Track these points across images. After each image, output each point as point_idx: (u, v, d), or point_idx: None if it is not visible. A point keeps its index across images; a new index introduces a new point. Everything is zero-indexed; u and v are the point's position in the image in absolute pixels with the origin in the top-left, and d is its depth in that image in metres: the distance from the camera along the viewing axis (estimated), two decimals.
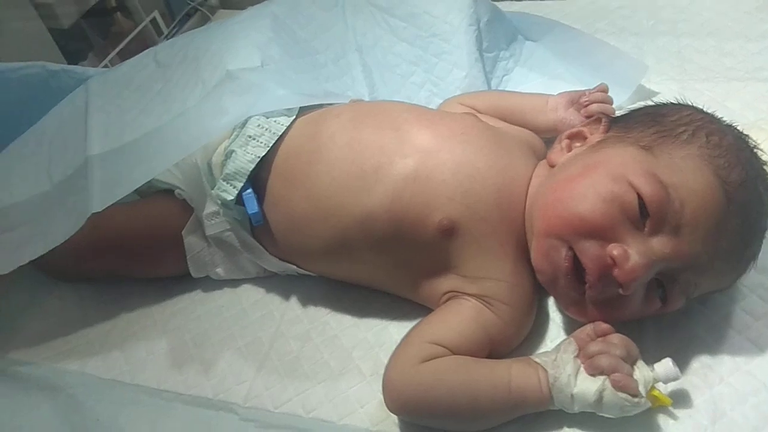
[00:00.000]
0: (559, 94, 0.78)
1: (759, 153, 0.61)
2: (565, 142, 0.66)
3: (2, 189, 0.72)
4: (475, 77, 0.86)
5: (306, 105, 0.72)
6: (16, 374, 0.70)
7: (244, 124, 0.68)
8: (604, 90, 0.76)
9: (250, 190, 0.67)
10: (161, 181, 0.72)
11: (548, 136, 0.75)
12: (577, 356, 0.55)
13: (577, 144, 0.65)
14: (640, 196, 0.54)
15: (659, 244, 0.54)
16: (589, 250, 0.55)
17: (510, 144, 0.67)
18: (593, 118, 0.67)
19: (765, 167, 0.60)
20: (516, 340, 0.62)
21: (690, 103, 0.65)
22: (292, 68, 0.78)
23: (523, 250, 0.62)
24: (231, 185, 0.67)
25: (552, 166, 0.65)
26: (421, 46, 0.88)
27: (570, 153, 0.65)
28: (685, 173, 0.55)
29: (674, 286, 0.56)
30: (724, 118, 0.63)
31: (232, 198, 0.67)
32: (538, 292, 0.64)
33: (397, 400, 0.57)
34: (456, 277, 0.62)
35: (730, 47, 0.92)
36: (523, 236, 0.63)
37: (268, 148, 0.67)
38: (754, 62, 0.89)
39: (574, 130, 0.67)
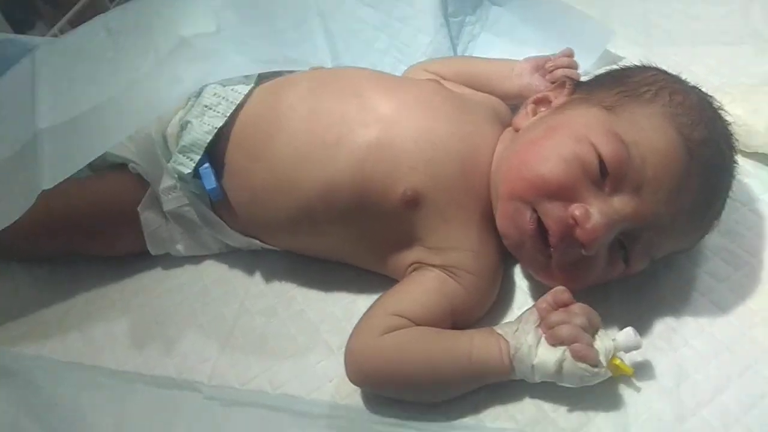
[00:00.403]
0: (525, 59, 0.77)
1: (723, 114, 0.61)
2: (530, 107, 0.66)
3: None
4: (441, 43, 0.84)
5: (265, 72, 0.70)
6: None
7: (199, 93, 0.66)
8: (570, 55, 0.75)
9: (207, 165, 0.64)
10: (114, 154, 0.69)
11: (514, 102, 0.74)
12: (538, 326, 0.55)
13: (542, 109, 0.65)
14: (599, 156, 0.54)
15: (621, 203, 0.54)
16: (551, 211, 0.55)
17: (474, 110, 0.66)
18: (558, 83, 0.67)
19: (729, 128, 0.61)
20: (480, 309, 0.62)
21: (655, 66, 0.64)
22: (250, 34, 0.75)
23: (488, 218, 0.62)
24: (188, 158, 0.64)
25: (517, 130, 0.65)
26: (385, 11, 0.86)
27: (534, 117, 0.64)
28: (646, 131, 0.55)
29: (636, 246, 0.57)
30: (688, 81, 0.63)
31: (189, 171, 0.64)
32: (504, 261, 0.64)
33: (359, 372, 0.57)
34: (421, 249, 0.61)
35: (696, 11, 0.91)
36: (488, 204, 0.62)
37: (225, 118, 0.65)
38: (720, 26, 0.89)
39: (539, 95, 0.66)
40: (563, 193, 0.55)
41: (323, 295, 0.68)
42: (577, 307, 0.55)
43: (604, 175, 0.55)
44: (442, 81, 0.72)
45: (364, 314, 0.60)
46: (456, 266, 0.60)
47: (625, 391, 0.56)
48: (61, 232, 0.69)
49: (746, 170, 0.71)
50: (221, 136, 0.65)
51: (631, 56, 0.85)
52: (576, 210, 0.54)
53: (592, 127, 0.57)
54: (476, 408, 0.57)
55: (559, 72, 0.73)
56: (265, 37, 0.77)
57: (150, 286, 0.72)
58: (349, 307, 0.66)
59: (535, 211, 0.57)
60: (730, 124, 0.61)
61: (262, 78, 0.69)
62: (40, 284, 0.74)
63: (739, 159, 0.70)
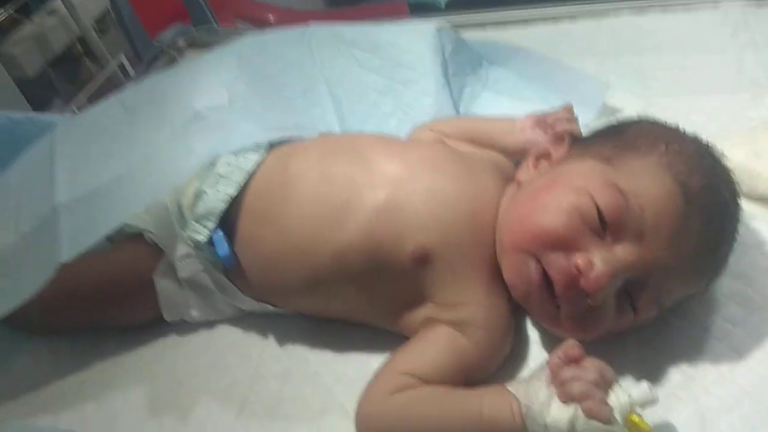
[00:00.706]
0: (526, 115, 0.78)
1: (724, 161, 0.62)
2: (531, 161, 0.67)
3: None
4: (444, 103, 0.87)
5: (275, 139, 0.72)
6: None
7: (214, 163, 0.68)
8: (569, 109, 0.77)
9: (220, 232, 0.66)
10: (130, 225, 0.71)
11: (517, 158, 0.76)
12: (550, 383, 0.54)
13: (542, 162, 0.67)
14: (597, 206, 0.56)
15: (623, 251, 0.55)
16: (555, 262, 0.56)
17: (479, 167, 0.68)
18: (558, 138, 0.68)
19: (730, 174, 0.62)
20: (492, 364, 0.61)
21: (651, 118, 0.66)
22: (260, 104, 0.78)
23: (497, 273, 0.62)
24: (203, 226, 0.66)
25: (519, 184, 0.66)
26: (388, 76, 0.89)
27: (535, 171, 0.66)
28: (644, 180, 0.57)
29: (643, 294, 0.57)
30: (687, 130, 0.64)
31: (205, 238, 0.66)
32: (515, 314, 0.64)
33: (368, 430, 0.57)
34: (432, 306, 0.62)
35: (691, 62, 0.93)
36: (495, 259, 0.63)
37: (239, 186, 0.67)
38: (716, 75, 0.91)
39: (540, 149, 0.68)
40: (565, 244, 0.56)
41: (337, 357, 0.68)
42: (589, 362, 0.54)
43: (604, 225, 0.56)
44: (446, 140, 0.74)
45: (375, 374, 0.60)
46: (466, 322, 0.60)
47: None
48: (78, 304, 0.70)
49: (753, 214, 0.72)
50: (234, 204, 0.67)
51: (631, 108, 0.87)
52: (579, 260, 0.55)
53: (590, 178, 0.58)
54: None
55: (560, 126, 0.74)
56: (275, 105, 0.80)
57: (165, 353, 0.72)
58: (362, 368, 0.66)
59: (539, 262, 0.57)
60: (731, 170, 0.62)
61: (273, 146, 0.71)
62: (59, 354, 0.74)
63: (745, 203, 0.70)
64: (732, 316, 0.64)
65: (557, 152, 0.66)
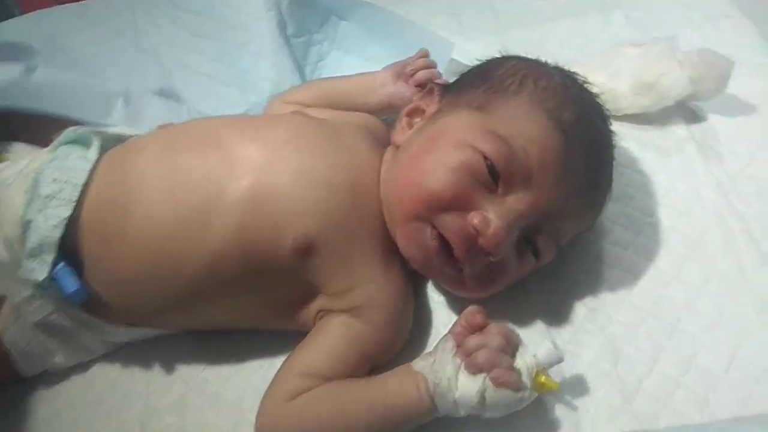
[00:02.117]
0: (384, 68, 0.74)
1: (589, 87, 0.62)
2: (405, 120, 0.64)
3: None
4: (283, 65, 0.80)
5: (106, 142, 0.62)
6: None
7: (35, 183, 0.56)
8: (425, 55, 0.73)
9: (62, 264, 0.55)
10: None
11: (385, 114, 0.72)
12: (456, 354, 0.51)
13: (417, 119, 0.63)
14: (486, 157, 0.53)
15: (515, 201, 0.54)
16: (450, 224, 0.54)
17: (349, 135, 0.63)
18: (426, 90, 0.65)
19: (598, 100, 0.62)
20: (398, 341, 0.58)
21: (512, 54, 0.65)
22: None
23: (388, 244, 0.59)
24: (40, 261, 0.55)
25: (397, 146, 0.62)
26: (220, 40, 0.81)
27: (411, 130, 0.62)
28: (520, 122, 0.55)
29: (541, 237, 0.56)
30: (547, 61, 0.64)
31: (45, 275, 0.55)
32: (414, 283, 0.61)
33: None
34: (324, 297, 0.57)
35: None
36: (385, 229, 0.59)
37: (73, 204, 0.56)
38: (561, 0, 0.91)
39: (411, 105, 0.64)
40: (457, 204, 0.54)
41: (237, 369, 0.61)
42: (493, 328, 0.52)
43: (495, 177, 0.54)
44: (306, 110, 0.68)
45: (272, 380, 0.56)
46: (361, 305, 0.56)
47: (568, 386, 0.55)
48: None
49: (622, 133, 0.72)
50: (71, 226, 0.56)
51: (487, 46, 0.84)
52: (474, 218, 0.53)
53: (468, 130, 0.56)
54: None
55: (421, 74, 0.71)
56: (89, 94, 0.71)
57: (35, 411, 0.61)
58: (268, 375, 0.59)
59: (434, 227, 0.54)
60: (597, 95, 0.61)
61: (103, 150, 0.61)
62: None
63: (612, 123, 0.71)
64: (620, 240, 0.65)
65: (429, 107, 0.63)
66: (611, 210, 0.66)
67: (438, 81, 0.69)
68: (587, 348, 0.58)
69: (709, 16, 0.85)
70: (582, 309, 0.60)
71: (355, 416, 0.52)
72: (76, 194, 0.56)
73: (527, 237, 0.56)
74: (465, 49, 0.85)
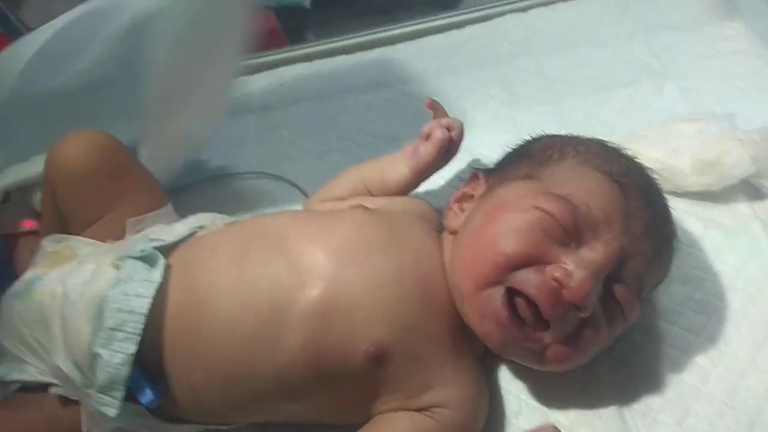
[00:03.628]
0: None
1: (626, 152, 0.63)
2: (455, 206, 0.65)
3: None
4: None
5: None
6: None
7: (100, 312, 0.54)
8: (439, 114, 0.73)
9: (140, 380, 0.54)
10: (29, 381, 0.60)
11: (417, 185, 0.71)
12: None
13: (466, 204, 0.64)
14: (552, 216, 0.54)
15: (590, 252, 0.53)
16: (529, 280, 0.52)
17: (407, 227, 0.62)
18: (470, 176, 0.66)
19: (636, 160, 0.63)
20: None
21: (544, 133, 0.67)
22: None
23: (460, 337, 0.58)
24: (110, 397, 0.53)
25: (453, 232, 0.62)
26: None
27: (464, 213, 0.63)
28: (573, 181, 0.56)
29: (621, 288, 0.55)
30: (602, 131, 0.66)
31: (117, 411, 0.53)
32: (487, 373, 0.61)
33: None
34: (398, 398, 0.56)
35: (586, 56, 0.93)
36: (453, 321, 0.58)
37: (138, 338, 0.53)
38: (612, 67, 0.91)
39: (458, 193, 0.65)
40: (532, 260, 0.53)
41: None
42: None
43: (565, 234, 0.53)
44: (365, 201, 0.67)
45: None
46: (434, 405, 0.55)
47: None
48: None
49: (684, 210, 0.72)
50: (145, 337, 0.54)
51: (541, 115, 0.86)
52: (555, 271, 0.52)
53: (527, 196, 0.56)
54: None
55: (438, 132, 0.69)
56: None
57: None
58: None
59: (507, 292, 0.53)
60: (633, 157, 0.63)
61: (166, 252, 0.60)
62: None
63: (673, 200, 0.71)
64: (691, 325, 0.64)
65: (476, 190, 0.64)
66: (680, 293, 0.66)
67: (479, 168, 0.69)
68: None
69: (764, 87, 0.84)
70: (657, 399, 0.59)
71: None
72: (140, 326, 0.54)
73: (608, 291, 0.54)
74: (518, 121, 0.86)
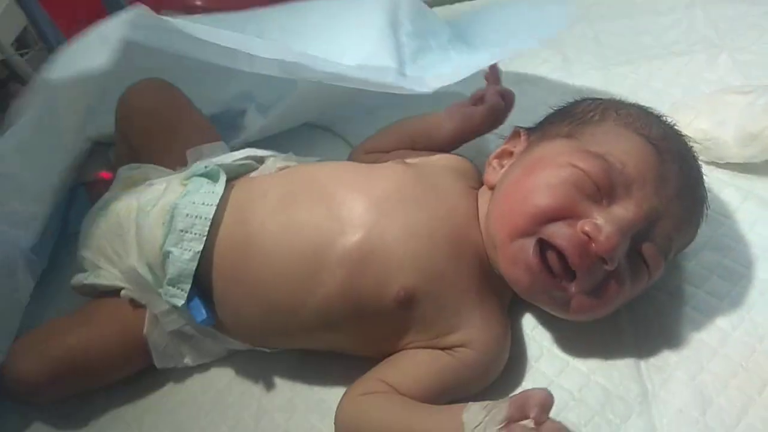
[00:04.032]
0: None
1: (666, 119, 0.65)
2: (495, 162, 0.67)
3: None
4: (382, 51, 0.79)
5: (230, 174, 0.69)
6: None
7: (172, 217, 0.63)
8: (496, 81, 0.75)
9: (196, 299, 0.63)
10: (103, 284, 0.68)
11: (460, 145, 0.74)
12: (502, 428, 0.51)
13: (506, 161, 0.67)
14: (586, 173, 0.56)
15: (621, 209, 0.56)
16: (559, 233, 0.56)
17: (443, 183, 0.66)
18: (511, 134, 0.69)
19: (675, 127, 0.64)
20: (486, 379, 0.61)
21: (588, 97, 0.68)
22: None
23: (486, 287, 0.62)
24: (178, 289, 0.62)
25: (491, 187, 0.65)
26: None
27: (503, 169, 0.66)
28: (611, 141, 0.59)
29: (648, 247, 0.57)
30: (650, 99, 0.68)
31: (183, 301, 0.62)
32: (512, 320, 0.65)
33: (336, 427, 0.60)
34: (424, 337, 0.61)
35: (644, 25, 0.93)
36: (484, 273, 0.62)
37: (204, 238, 0.62)
38: (669, 37, 0.92)
39: (498, 150, 0.68)
40: (564, 214, 0.56)
41: (339, 380, 0.66)
42: (550, 428, 0.50)
43: (598, 190, 0.56)
44: (407, 155, 0.71)
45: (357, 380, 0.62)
46: (457, 345, 0.60)
47: (656, 427, 0.57)
48: (67, 379, 0.66)
49: (723, 181, 0.74)
50: (202, 260, 0.63)
51: (590, 81, 0.87)
52: (585, 225, 0.55)
53: (565, 152, 0.59)
54: None
55: (492, 98, 0.72)
56: None
57: (162, 401, 0.69)
58: None
59: (538, 243, 0.56)
60: (673, 125, 0.65)
61: (229, 178, 0.68)
62: (52, 418, 0.71)
63: (714, 171, 0.73)
64: (716, 290, 0.66)
65: (516, 147, 0.66)
66: (709, 259, 0.68)
67: (520, 126, 0.70)
68: (677, 395, 0.59)
69: None
70: (673, 356, 0.62)
71: None
72: (206, 229, 0.62)
73: (635, 249, 0.57)
74: (569, 85, 0.87)
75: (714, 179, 0.73)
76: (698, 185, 0.62)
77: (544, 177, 0.58)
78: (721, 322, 0.64)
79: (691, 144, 0.64)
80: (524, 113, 0.80)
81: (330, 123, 0.90)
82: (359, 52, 0.78)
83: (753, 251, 0.68)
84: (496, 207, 0.62)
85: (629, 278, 0.58)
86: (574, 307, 0.58)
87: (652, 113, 0.64)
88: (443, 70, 0.85)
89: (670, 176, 0.58)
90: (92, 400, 0.70)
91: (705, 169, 0.72)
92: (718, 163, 0.74)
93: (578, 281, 0.57)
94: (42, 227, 0.76)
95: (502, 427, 0.51)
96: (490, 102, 0.72)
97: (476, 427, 0.52)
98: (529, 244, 0.57)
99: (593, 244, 0.54)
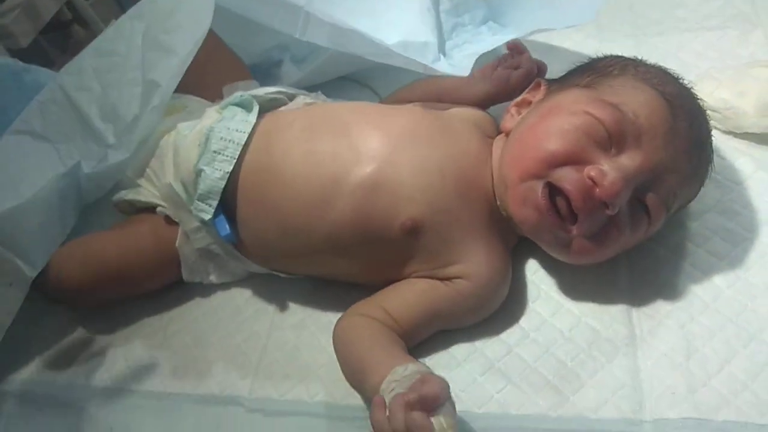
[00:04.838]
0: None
1: (684, 81, 0.66)
2: (513, 110, 0.70)
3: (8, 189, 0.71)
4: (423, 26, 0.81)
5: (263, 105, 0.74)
6: (26, 396, 0.73)
7: (207, 139, 0.69)
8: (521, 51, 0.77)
9: (221, 215, 0.69)
10: (141, 201, 0.75)
11: (491, 102, 0.77)
12: (399, 395, 0.51)
13: (524, 109, 0.70)
14: (599, 121, 0.59)
15: (628, 159, 0.59)
16: (566, 176, 0.59)
17: (460, 128, 0.70)
18: (532, 84, 0.71)
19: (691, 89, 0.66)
20: (480, 312, 0.65)
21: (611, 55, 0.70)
22: None
23: (492, 227, 0.66)
24: (207, 204, 0.68)
25: (507, 133, 0.69)
26: None
27: (520, 116, 0.69)
28: (627, 93, 0.61)
29: (652, 198, 0.60)
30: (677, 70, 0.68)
31: (210, 216, 0.68)
32: (514, 263, 0.68)
33: (332, 341, 0.65)
34: (426, 268, 0.65)
35: None
36: (493, 213, 0.66)
37: (234, 161, 0.68)
38: (703, 11, 0.92)
39: (518, 98, 0.71)
40: (573, 159, 0.59)
41: (349, 306, 0.71)
42: (418, 416, 0.49)
43: (608, 138, 0.59)
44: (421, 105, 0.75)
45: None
46: (457, 277, 0.64)
47: (639, 368, 0.60)
48: (107, 286, 0.73)
49: (739, 150, 0.75)
50: (230, 181, 0.68)
51: (621, 49, 0.87)
52: (591, 171, 0.58)
53: (581, 101, 0.62)
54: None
55: (528, 64, 0.75)
56: None
57: (185, 312, 0.76)
58: None
59: (546, 185, 0.60)
60: (689, 87, 0.66)
61: (262, 110, 0.73)
62: (85, 321, 0.78)
63: (731, 140, 0.74)
64: (716, 250, 0.67)
65: (536, 97, 0.69)
66: (714, 221, 0.70)
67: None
68: (663, 341, 0.62)
69: None
70: (666, 306, 0.64)
71: (355, 362, 0.60)
72: (237, 152, 0.68)
73: (639, 199, 0.60)
74: (599, 52, 0.89)
75: (730, 147, 0.74)
76: (706, 145, 0.64)
77: (557, 123, 0.61)
78: (717, 280, 0.65)
79: (709, 111, 0.66)
80: (555, 77, 0.84)
81: (361, 77, 0.94)
82: (401, 27, 0.80)
83: (759, 217, 0.69)
84: (510, 150, 0.65)
85: (629, 226, 0.61)
86: (575, 248, 0.61)
87: (670, 73, 0.66)
88: (474, 48, 0.89)
89: (681, 132, 0.60)
90: (126, 310, 0.78)
91: (722, 138, 0.74)
92: (735, 133, 0.75)
93: (580, 224, 0.60)
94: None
95: (399, 395, 0.51)
96: (526, 67, 0.75)
97: (393, 380, 0.54)
98: (538, 186, 0.60)
99: (597, 189, 0.57)
